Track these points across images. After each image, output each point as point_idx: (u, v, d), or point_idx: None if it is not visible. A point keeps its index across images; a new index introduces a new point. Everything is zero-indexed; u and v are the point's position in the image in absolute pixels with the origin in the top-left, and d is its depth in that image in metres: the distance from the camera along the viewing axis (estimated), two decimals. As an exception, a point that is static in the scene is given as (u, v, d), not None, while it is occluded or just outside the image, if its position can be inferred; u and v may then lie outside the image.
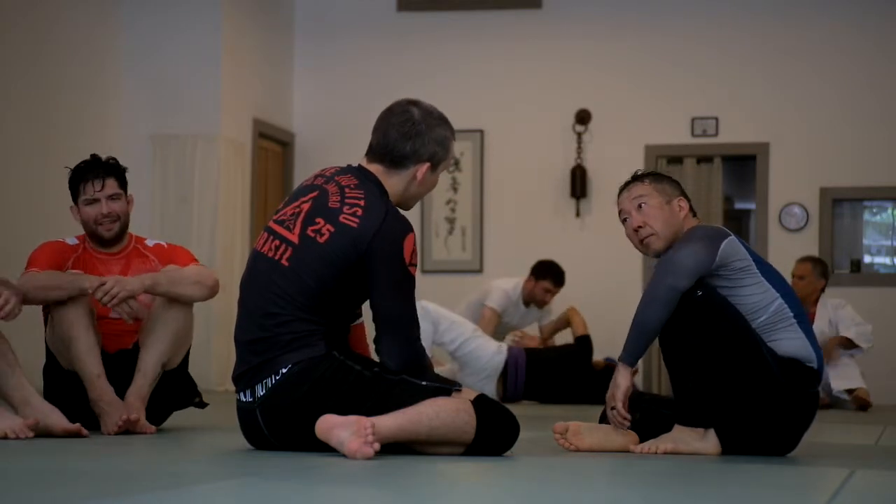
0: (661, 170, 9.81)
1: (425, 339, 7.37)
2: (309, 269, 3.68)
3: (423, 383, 3.64)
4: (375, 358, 3.75)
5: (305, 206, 3.77)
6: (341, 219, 3.69)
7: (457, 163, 10.28)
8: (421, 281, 7.93)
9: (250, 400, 3.76)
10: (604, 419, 4.17)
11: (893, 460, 4.12)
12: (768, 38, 10.02)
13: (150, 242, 4.96)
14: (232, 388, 5.49)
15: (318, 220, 3.72)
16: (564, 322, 8.93)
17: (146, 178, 9.14)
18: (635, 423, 4.03)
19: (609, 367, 8.42)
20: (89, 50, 8.96)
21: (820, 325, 8.30)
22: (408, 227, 3.71)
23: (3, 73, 7.96)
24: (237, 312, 3.85)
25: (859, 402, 8.14)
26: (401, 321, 3.70)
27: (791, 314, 3.94)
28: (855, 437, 5.44)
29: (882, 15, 9.92)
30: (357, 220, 3.68)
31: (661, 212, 4.05)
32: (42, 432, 4.21)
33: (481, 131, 10.33)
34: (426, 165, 3.81)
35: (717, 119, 10.08)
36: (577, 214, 10.18)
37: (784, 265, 8.07)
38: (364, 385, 3.65)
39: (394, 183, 3.81)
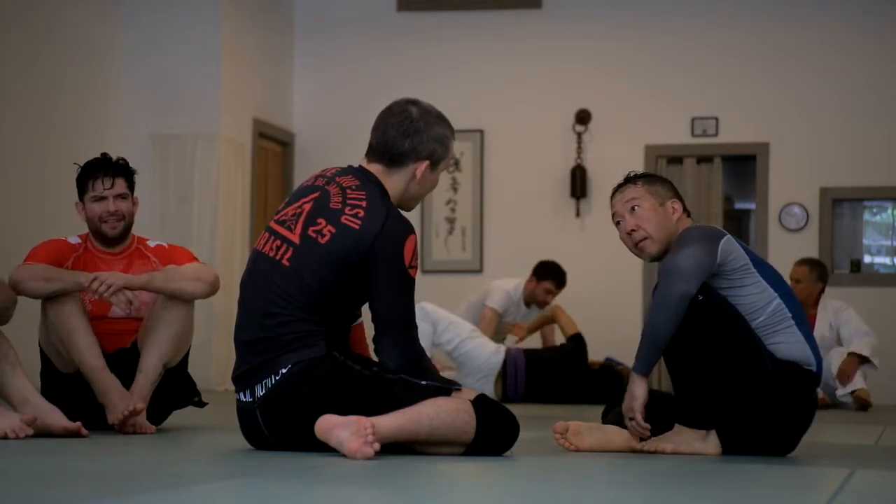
0: (662, 170, 9.82)
1: (424, 340, 7.37)
2: (310, 270, 3.68)
3: (423, 383, 3.65)
4: (375, 358, 3.75)
5: (307, 207, 3.77)
6: (343, 220, 3.69)
7: (457, 163, 10.28)
8: (421, 281, 7.92)
9: (250, 400, 3.76)
10: (606, 419, 4.17)
11: (893, 460, 4.12)
12: (768, 38, 10.01)
13: (151, 243, 4.97)
14: (232, 388, 5.49)
15: (319, 220, 3.72)
16: (548, 319, 8.87)
17: (146, 178, 9.10)
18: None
19: (608, 367, 8.42)
20: (89, 50, 8.96)
21: (821, 329, 8.26)
22: (409, 229, 3.71)
23: (3, 73, 7.96)
24: (237, 312, 3.85)
25: (859, 402, 8.13)
26: (401, 322, 3.70)
27: (789, 314, 3.93)
28: (855, 437, 5.44)
29: (882, 15, 9.92)
30: (359, 221, 3.68)
31: (654, 214, 4.03)
32: (42, 431, 4.21)
33: (481, 131, 10.32)
34: (425, 164, 3.81)
35: (717, 119, 10.08)
36: (577, 214, 10.18)
37: (784, 265, 8.06)
38: (364, 385, 3.65)
39: (394, 182, 3.81)
